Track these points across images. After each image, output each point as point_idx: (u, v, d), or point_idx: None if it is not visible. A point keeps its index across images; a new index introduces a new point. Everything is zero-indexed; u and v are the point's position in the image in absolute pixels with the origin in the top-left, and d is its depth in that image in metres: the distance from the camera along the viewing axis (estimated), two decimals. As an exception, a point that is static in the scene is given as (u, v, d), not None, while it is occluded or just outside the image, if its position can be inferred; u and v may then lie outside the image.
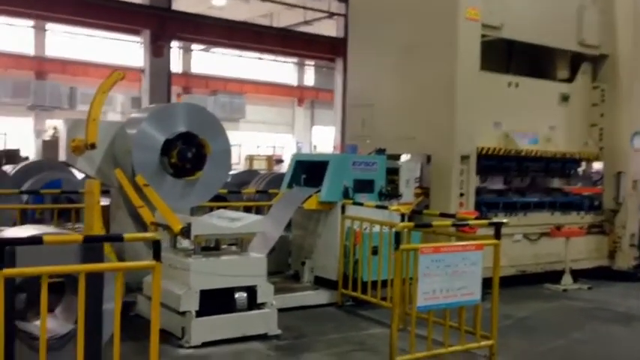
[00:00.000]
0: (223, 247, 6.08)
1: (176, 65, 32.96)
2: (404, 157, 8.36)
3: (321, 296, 7.04)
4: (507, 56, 9.17)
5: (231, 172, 15.08)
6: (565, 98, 9.22)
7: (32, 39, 29.86)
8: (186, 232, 5.50)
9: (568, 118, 9.28)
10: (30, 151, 26.54)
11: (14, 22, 28.37)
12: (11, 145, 28.33)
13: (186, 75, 33.96)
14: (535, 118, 8.90)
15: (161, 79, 21.68)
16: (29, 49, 29.84)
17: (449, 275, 4.92)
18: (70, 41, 29.70)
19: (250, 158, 27.50)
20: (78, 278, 3.63)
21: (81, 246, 4.22)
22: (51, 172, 10.48)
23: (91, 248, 4.26)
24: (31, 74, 29.88)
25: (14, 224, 7.84)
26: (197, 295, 5.42)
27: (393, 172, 7.68)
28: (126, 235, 3.67)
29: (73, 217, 7.59)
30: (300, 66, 38.08)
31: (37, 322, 4.64)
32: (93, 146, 6.05)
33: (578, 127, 9.43)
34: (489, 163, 8.44)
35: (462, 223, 5.76)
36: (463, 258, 5.00)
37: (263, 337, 5.70)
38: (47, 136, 25.28)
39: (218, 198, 9.89)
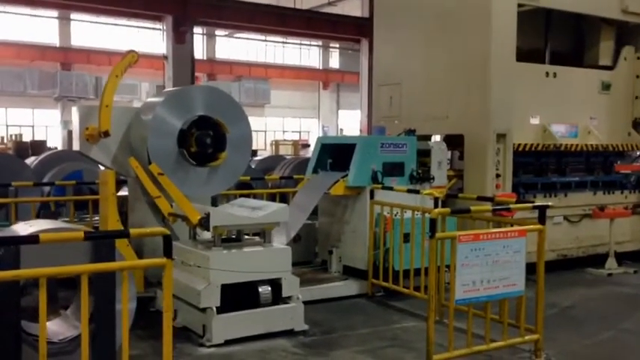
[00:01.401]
0: (246, 237, 5.72)
1: (200, 52, 32.80)
2: (435, 138, 7.90)
3: (350, 287, 6.67)
4: (545, 30, 8.58)
5: (257, 158, 14.88)
6: (606, 87, 8.61)
7: (57, 30, 29.92)
8: (204, 223, 5.16)
9: (609, 108, 8.67)
10: (57, 142, 26.66)
11: (39, 12, 28.45)
12: (39, 137, 28.58)
13: (211, 61, 33.76)
14: (574, 108, 8.34)
15: (184, 65, 21.41)
16: (54, 40, 29.90)
17: (489, 265, 4.49)
18: (95, 31, 29.67)
19: (276, 143, 27.15)
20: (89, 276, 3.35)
21: (91, 242, 3.93)
22: (72, 162, 10.24)
23: (102, 244, 3.96)
24: (56, 65, 29.98)
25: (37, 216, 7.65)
26: (218, 291, 5.09)
27: (424, 154, 7.23)
28: (132, 231, 3.34)
29: (91, 209, 7.31)
30: (325, 49, 37.57)
31: (49, 323, 4.37)
32: (106, 134, 5.74)
33: (621, 116, 8.80)
34: (525, 160, 7.92)
35: (503, 207, 5.31)
36: (505, 246, 4.56)
37: (289, 334, 5.35)
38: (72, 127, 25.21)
39: (242, 185, 9.62)
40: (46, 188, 9.43)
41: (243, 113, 6.34)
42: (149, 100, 6.38)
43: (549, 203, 5.14)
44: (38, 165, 10.88)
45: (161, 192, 5.66)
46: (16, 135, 24.62)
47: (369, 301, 6.54)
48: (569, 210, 8.22)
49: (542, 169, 8.19)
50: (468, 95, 7.61)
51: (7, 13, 27.34)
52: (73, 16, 29.44)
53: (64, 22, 29.90)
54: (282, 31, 24.26)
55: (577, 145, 8.25)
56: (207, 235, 5.61)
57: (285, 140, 30.90)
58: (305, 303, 5.83)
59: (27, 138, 25.20)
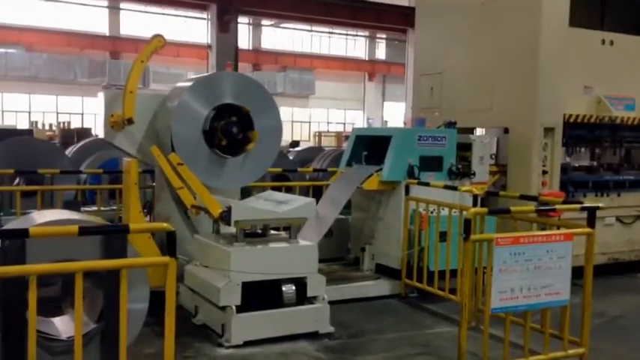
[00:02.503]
0: (273, 232, 5.45)
1: (245, 42, 32.76)
2: (478, 131, 7.45)
3: (382, 287, 6.33)
4: (600, 12, 8.00)
5: (296, 149, 14.62)
6: None
7: (107, 19, 30.32)
8: (225, 216, 4.90)
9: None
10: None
11: (89, 1, 28.89)
12: (88, 125, 29.01)
13: (256, 51, 33.68)
14: (632, 80, 7.72)
15: (228, 55, 21.35)
16: (104, 29, 30.31)
17: (530, 271, 4.09)
18: (143, 20, 29.92)
19: (319, 135, 26.85)
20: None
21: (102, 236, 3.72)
22: (109, 150, 10.17)
23: (113, 238, 3.74)
24: (106, 54, 30.39)
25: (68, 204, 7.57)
26: (239, 289, 4.82)
27: (464, 148, 6.80)
28: (132, 226, 3.09)
29: (117, 198, 7.17)
30: (371, 39, 37.04)
31: (57, 319, 4.20)
32: (130, 121, 5.53)
33: None
34: (578, 132, 7.39)
35: (548, 208, 4.88)
36: (548, 250, 4.15)
37: (313, 336, 5.05)
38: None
39: (277, 177, 9.36)
40: (84, 176, 9.39)
41: (273, 102, 6.05)
42: (177, 85, 6.15)
43: (600, 204, 4.67)
44: (76, 153, 10.89)
45: (184, 183, 5.43)
46: (63, 122, 25.03)
47: (402, 302, 6.19)
48: (622, 210, 7.68)
49: (595, 142, 7.70)
50: (513, 86, 7.14)
51: (59, 1, 27.87)
52: (122, 5, 29.81)
53: (114, 11, 30.28)
54: (327, 20, 23.95)
55: (634, 118, 7.66)
56: (232, 228, 5.36)
57: (328, 132, 30.57)
58: (334, 302, 5.55)
59: (76, 125, 25.61)
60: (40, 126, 24.82)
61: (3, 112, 29.65)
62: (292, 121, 35.86)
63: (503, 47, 7.26)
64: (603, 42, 7.48)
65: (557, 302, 4.27)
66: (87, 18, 29.69)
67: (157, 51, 5.68)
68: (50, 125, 24.80)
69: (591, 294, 4.54)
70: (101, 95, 5.93)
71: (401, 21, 22.53)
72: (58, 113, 30.32)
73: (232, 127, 5.66)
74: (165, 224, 3.05)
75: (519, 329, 4.54)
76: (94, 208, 7.42)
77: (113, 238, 3.73)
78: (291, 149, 15.51)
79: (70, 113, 30.21)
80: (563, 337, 4.52)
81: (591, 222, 4.49)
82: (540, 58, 6.87)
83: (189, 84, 5.83)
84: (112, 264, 3.05)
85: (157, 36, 5.64)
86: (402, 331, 5.34)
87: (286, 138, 29.62)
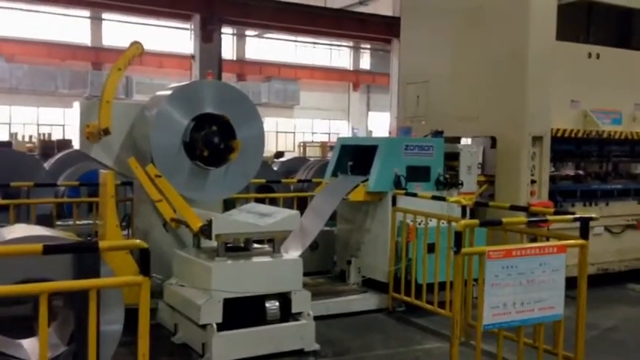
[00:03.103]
0: (255, 246, 5.24)
1: (229, 52, 32.57)
2: (464, 140, 7.32)
3: (369, 301, 6.14)
4: (586, 25, 7.93)
5: (280, 160, 14.43)
6: None
7: (89, 29, 30.01)
8: (205, 230, 4.70)
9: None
10: (85, 141, 26.58)
11: (71, 12, 28.57)
12: (70, 137, 28.62)
13: (240, 62, 33.52)
14: (619, 93, 7.65)
15: (212, 65, 21.09)
16: (86, 40, 30.00)
17: (523, 285, 3.93)
18: (125, 31, 29.65)
19: (303, 145, 26.69)
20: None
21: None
22: (88, 162, 9.91)
23: (86, 256, 3.53)
24: (88, 65, 30.06)
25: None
26: (220, 306, 4.61)
27: (451, 158, 6.66)
28: (102, 244, 2.88)
29: (95, 212, 6.92)
30: (356, 50, 37.03)
31: (27, 341, 3.97)
32: (106, 132, 5.32)
33: None
34: (565, 147, 7.30)
35: (540, 219, 4.73)
36: (541, 263, 4.00)
37: (298, 354, 4.85)
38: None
39: (262, 188, 9.16)
40: (62, 188, 9.13)
41: (255, 111, 5.87)
42: (156, 94, 5.95)
43: (593, 215, 4.54)
44: (55, 165, 10.62)
45: (163, 196, 5.22)
46: (44, 134, 24.64)
47: (389, 317, 6.01)
48: (611, 220, 7.56)
49: (582, 157, 7.59)
50: (501, 94, 7.03)
51: (40, 12, 27.53)
52: (104, 15, 29.53)
53: (96, 21, 29.99)
54: (311, 30, 23.81)
55: (621, 132, 7.59)
56: (213, 243, 5.15)
57: (313, 142, 30.41)
58: (319, 318, 5.38)
59: (58, 137, 25.21)
60: (20, 138, 24.41)
61: (-18, 123, 29.21)
62: (277, 132, 35.67)
63: (491, 55, 7.16)
64: (590, 55, 7.41)
65: (551, 317, 4.12)
66: (68, 28, 29.38)
67: (134, 58, 5.47)
68: (30, 137, 24.41)
69: (586, 307, 4.40)
70: (76, 105, 5.71)
71: (385, 31, 22.46)
72: (39, 125, 29.90)
73: (213, 137, 5.47)
74: (137, 241, 2.85)
75: (512, 344, 4.39)
76: (71, 222, 7.15)
77: (85, 255, 3.53)
78: (275, 160, 15.32)
79: (51, 125, 29.79)
80: (557, 353, 4.37)
81: (584, 233, 4.36)
82: (528, 66, 6.77)
83: (168, 92, 5.63)
84: (79, 284, 2.84)
85: (135, 43, 5.44)
86: (391, 347, 5.16)
87: (271, 148, 29.51)
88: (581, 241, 4.32)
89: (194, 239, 5.22)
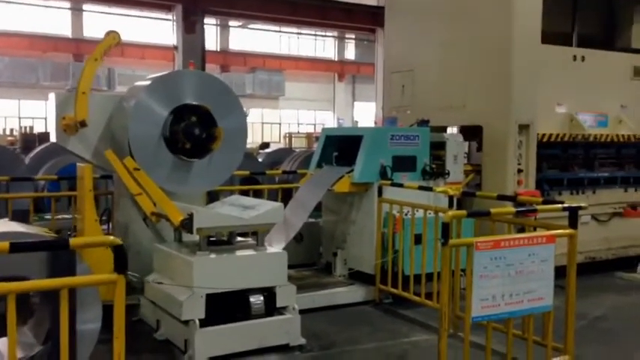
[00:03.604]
0: (239, 239, 5.11)
1: (213, 43, 32.27)
2: (450, 130, 7.24)
3: (355, 293, 6.05)
4: (573, 11, 7.84)
5: (265, 151, 14.28)
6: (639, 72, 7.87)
7: (69, 21, 29.58)
8: (186, 224, 4.57)
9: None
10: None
11: (51, 3, 28.13)
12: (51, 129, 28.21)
13: (224, 52, 33.22)
14: (604, 96, 7.59)
15: (195, 56, 20.85)
16: (67, 32, 29.57)
17: (512, 276, 3.85)
18: (107, 22, 29.23)
19: (289, 136, 26.53)
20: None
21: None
22: (67, 156, 9.72)
23: (60, 253, 3.39)
24: (69, 57, 29.63)
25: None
26: (202, 301, 4.49)
27: (437, 147, 6.57)
28: (72, 241, 2.75)
29: (74, 205, 6.76)
30: (340, 40, 36.84)
31: (2, 340, 3.82)
32: (83, 124, 5.17)
33: None
34: (550, 152, 7.23)
35: (529, 209, 4.65)
36: (530, 254, 3.92)
37: (284, 349, 4.74)
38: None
39: (246, 180, 9.02)
40: (42, 182, 8.94)
41: (237, 102, 5.74)
42: (134, 84, 5.79)
43: (582, 204, 4.47)
44: (34, 158, 10.42)
45: (142, 189, 5.07)
46: (25, 127, 24.27)
47: (376, 309, 5.92)
48: (597, 208, 7.54)
49: (568, 161, 7.49)
50: (487, 83, 6.94)
51: (21, 4, 27.07)
52: (85, 7, 29.10)
53: (76, 13, 29.56)
54: (296, 20, 23.65)
55: (607, 135, 7.54)
56: (195, 236, 5.02)
57: (299, 133, 30.26)
58: (305, 311, 5.30)
59: (40, 130, 24.84)
60: (1, 131, 24.03)
61: (-37, 116, 28.74)
62: (262, 123, 35.46)
63: (476, 43, 7.07)
64: (575, 58, 7.33)
65: (541, 308, 4.04)
66: (49, 20, 28.92)
67: (111, 48, 5.31)
68: (11, 130, 24.02)
69: (575, 298, 4.34)
70: (52, 96, 5.54)
71: (370, 20, 22.34)
72: (20, 118, 29.46)
73: (194, 129, 5.32)
74: (111, 237, 2.72)
75: (501, 336, 4.33)
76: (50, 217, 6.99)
77: (60, 253, 3.40)
78: (260, 151, 15.17)
79: (32, 118, 29.36)
80: (546, 344, 4.31)
81: (573, 222, 4.29)
82: (514, 54, 6.68)
83: (147, 83, 5.48)
84: (48, 284, 2.71)
85: (111, 32, 5.28)
86: (378, 340, 5.07)
87: (256, 140, 29.35)
88: (570, 231, 4.25)
89: (175, 233, 5.08)
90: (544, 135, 6.99)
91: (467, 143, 7.36)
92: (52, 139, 5.56)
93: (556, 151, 7.31)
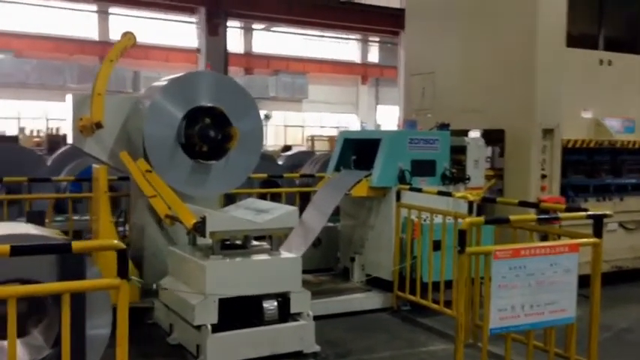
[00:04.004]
0: (255, 243, 5.03)
1: (237, 46, 32.37)
2: (472, 134, 7.08)
3: (372, 300, 5.93)
4: (599, 13, 7.64)
5: (286, 154, 14.21)
6: None
7: (96, 24, 29.92)
8: (199, 227, 4.50)
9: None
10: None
11: (78, 6, 28.47)
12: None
13: (248, 55, 33.29)
14: (631, 100, 7.37)
15: (218, 59, 20.93)
16: (93, 34, 29.91)
17: (532, 286, 3.71)
18: (132, 25, 29.53)
19: (312, 139, 26.45)
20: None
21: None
22: (90, 157, 9.75)
23: (69, 256, 3.35)
24: (95, 59, 29.95)
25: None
26: (215, 306, 4.42)
27: (458, 151, 6.43)
28: (75, 244, 2.69)
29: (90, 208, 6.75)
30: (364, 42, 36.70)
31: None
32: (99, 125, 5.14)
33: None
34: (576, 157, 7.04)
35: (550, 216, 4.50)
36: (552, 263, 3.77)
37: (297, 356, 4.65)
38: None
39: (266, 183, 8.95)
40: (64, 184, 8.98)
41: (253, 104, 5.67)
42: (151, 86, 5.76)
43: (607, 212, 4.30)
44: (57, 159, 10.49)
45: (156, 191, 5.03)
46: (52, 129, 24.59)
47: (394, 316, 5.80)
48: (625, 216, 7.31)
49: (594, 168, 7.29)
50: (510, 85, 6.78)
51: (48, 7, 27.46)
52: (111, 10, 29.42)
53: (103, 16, 29.89)
54: (318, 23, 23.58)
55: (635, 141, 7.32)
56: (209, 240, 4.96)
57: (321, 136, 30.17)
58: (322, 317, 5.21)
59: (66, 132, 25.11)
60: (28, 132, 24.37)
61: (-8, 118, 29.21)
62: (285, 126, 35.46)
63: (499, 45, 6.91)
64: (601, 62, 7.14)
65: (563, 320, 3.89)
66: (76, 23, 29.28)
67: (127, 49, 5.29)
68: (38, 132, 24.35)
69: (599, 310, 4.17)
70: (69, 98, 5.52)
71: (392, 23, 22.17)
72: (47, 119, 29.86)
73: (208, 131, 5.27)
74: (115, 241, 2.66)
75: (521, 347, 4.19)
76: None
77: (68, 256, 3.35)
78: (282, 154, 15.12)
79: (59, 119, 29.73)
80: (569, 357, 4.15)
81: (598, 231, 4.12)
82: (538, 56, 6.51)
83: (162, 84, 5.44)
84: (50, 288, 2.65)
85: (127, 33, 5.26)
86: (394, 349, 4.95)
87: (279, 142, 29.33)
88: (594, 240, 4.08)
89: (189, 236, 5.02)
90: (569, 141, 6.81)
91: (489, 147, 7.20)
92: (69, 140, 5.53)
93: (581, 157, 7.12)
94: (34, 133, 23.99)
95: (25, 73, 28.22)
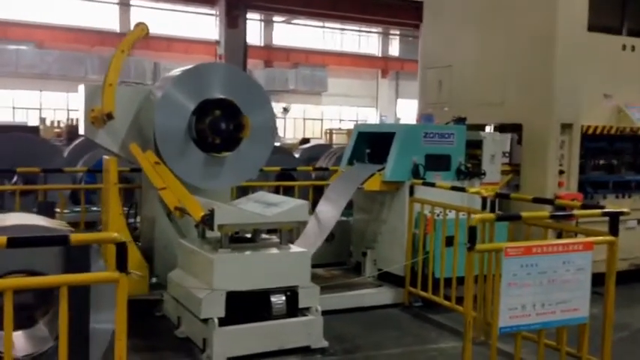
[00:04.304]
0: (264, 237, 4.99)
1: (257, 38, 32.35)
2: (488, 128, 6.96)
3: (384, 295, 5.86)
4: (621, 16, 7.45)
5: (303, 147, 14.16)
6: None
7: (117, 15, 30.08)
8: (207, 220, 4.46)
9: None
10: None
11: (99, -2, 28.69)
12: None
13: (268, 48, 33.26)
14: None
15: (237, 51, 20.89)
16: (114, 26, 30.08)
17: (544, 285, 3.62)
18: (153, 17, 29.64)
19: (330, 132, 26.36)
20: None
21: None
22: (106, 148, 9.77)
23: (74, 248, 3.34)
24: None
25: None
26: (222, 299, 4.38)
27: (474, 146, 6.32)
28: (73, 236, 2.66)
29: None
30: (385, 36, 36.46)
31: (17, 334, 3.79)
32: (110, 116, 5.12)
33: None
34: (597, 145, 6.90)
35: (564, 214, 4.38)
36: (565, 261, 3.67)
37: (304, 351, 4.60)
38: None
39: (282, 176, 8.91)
40: (79, 175, 9.02)
41: (265, 97, 5.62)
42: (163, 77, 5.73)
43: (624, 209, 4.17)
44: (73, 150, 10.55)
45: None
46: (72, 119, 24.79)
47: (405, 312, 5.73)
48: (644, 213, 7.13)
49: (615, 156, 7.14)
50: (528, 79, 6.65)
51: (70, -2, 27.70)
52: (132, 1, 29.56)
53: (124, 7, 30.03)
54: (338, 15, 23.43)
55: None
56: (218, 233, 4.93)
57: (340, 129, 30.08)
58: (332, 312, 5.18)
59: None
60: (49, 123, 24.60)
61: (14, 108, 29.52)
62: (304, 119, 35.41)
63: (517, 38, 6.77)
64: (624, 47, 6.96)
65: (575, 320, 3.79)
66: (97, 14, 29.48)
67: (139, 40, 5.27)
68: (58, 122, 24.56)
69: (613, 308, 4.06)
70: (81, 88, 5.52)
71: (413, 16, 21.87)
72: (68, 110, 30.13)
73: (220, 123, 5.23)
74: (115, 234, 2.62)
75: (532, 345, 4.10)
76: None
77: (74, 248, 3.33)
78: (300, 147, 15.07)
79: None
80: (581, 357, 4.05)
81: (614, 229, 4.00)
82: (557, 49, 6.37)
83: (174, 74, 5.40)
84: (46, 281, 2.62)
85: (140, 24, 5.23)
86: (404, 346, 4.88)
87: (298, 135, 29.26)
88: (609, 238, 3.97)
89: (198, 229, 4.99)
90: (589, 127, 6.66)
91: (508, 137, 7.06)
92: (81, 131, 5.53)
93: (602, 144, 6.98)
94: (55, 124, 24.18)
95: (47, 64, 28.51)
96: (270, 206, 4.73)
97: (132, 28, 5.45)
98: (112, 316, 3.53)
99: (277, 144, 20.26)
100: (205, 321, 4.38)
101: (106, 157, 5.36)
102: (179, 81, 5.27)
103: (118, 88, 5.29)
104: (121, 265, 2.58)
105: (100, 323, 3.49)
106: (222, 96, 5.24)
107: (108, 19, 29.90)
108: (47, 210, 5.23)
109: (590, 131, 6.69)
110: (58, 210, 6.54)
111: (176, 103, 5.19)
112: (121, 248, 2.58)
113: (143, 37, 5.30)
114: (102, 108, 5.11)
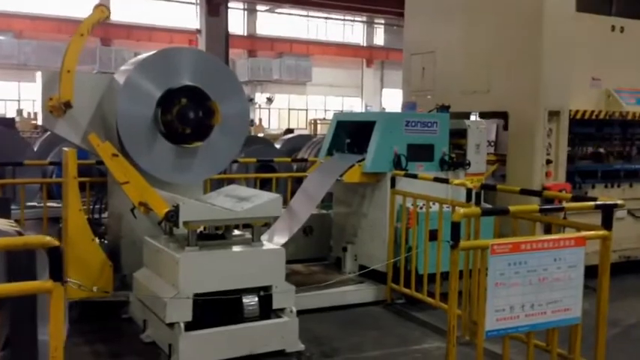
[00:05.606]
0: (236, 233, 4.68)
1: (241, 28, 31.86)
2: (473, 116, 6.68)
3: (364, 293, 5.58)
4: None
5: (284, 138, 13.83)
6: None
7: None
8: (172, 217, 4.13)
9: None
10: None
11: (79, -13, 28.05)
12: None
13: (251, 37, 32.79)
14: None
15: (218, 40, 20.46)
16: (94, 15, 29.48)
17: (534, 284, 3.35)
18: (135, 6, 29.09)
19: (314, 122, 26.02)
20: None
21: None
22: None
23: (18, 254, 3.00)
24: (96, 41, 29.54)
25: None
26: (189, 302, 4.07)
27: (458, 135, 6.04)
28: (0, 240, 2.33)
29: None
30: (369, 25, 36.09)
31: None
32: (68, 105, 4.77)
33: None
34: (584, 130, 6.64)
35: (554, 207, 4.11)
36: (556, 258, 3.40)
37: (279, 355, 4.31)
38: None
39: (262, 168, 8.60)
40: (50, 168, 8.67)
41: (238, 84, 5.29)
42: (127, 62, 5.39)
43: (618, 201, 3.91)
44: (43, 143, 10.18)
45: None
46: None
47: (387, 310, 5.45)
48: (634, 203, 6.91)
49: (603, 141, 6.92)
50: (513, 63, 6.37)
51: (47, -13, 27.04)
52: (114, -10, 28.97)
53: (104, -4, 29.44)
54: (322, 3, 23.09)
55: None
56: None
57: (324, 119, 29.72)
58: (310, 311, 4.94)
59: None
60: (26, 114, 24.04)
61: (-7, 100, 28.95)
62: (289, 109, 35.02)
63: (503, 22, 6.48)
64: (613, 28, 6.71)
65: (567, 321, 3.53)
66: (77, 4, 28.84)
67: (99, 22, 4.91)
68: (35, 114, 24.00)
69: (607, 307, 3.80)
70: (38, 75, 5.15)
71: (398, 4, 21.59)
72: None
73: (188, 112, 4.89)
74: (48, 238, 2.30)
75: (521, 345, 3.84)
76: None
77: (18, 253, 3.00)
78: (282, 137, 14.75)
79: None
80: (573, 359, 3.79)
81: (607, 222, 3.74)
82: (544, 34, 6.08)
83: (139, 59, 5.06)
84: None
85: (99, 6, 4.88)
86: (385, 347, 4.60)
87: (283, 126, 28.87)
88: (603, 232, 3.70)
89: (164, 226, 4.67)
90: (577, 112, 6.42)
91: (494, 125, 6.79)
92: (39, 121, 5.17)
93: (590, 129, 6.73)
94: (32, 116, 23.64)
95: (25, 54, 27.89)
96: (241, 201, 4.41)
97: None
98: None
99: (260, 134, 19.95)
100: (171, 325, 4.07)
101: (65, 148, 5.01)
102: (143, 66, 4.93)
103: (78, 75, 4.93)
104: (55, 273, 2.26)
105: (45, 335, 3.17)
106: (188, 83, 4.89)
107: (88, 9, 29.20)
108: (1, 207, 4.85)
109: (579, 116, 6.45)
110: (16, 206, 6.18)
111: (140, 90, 4.85)
112: (55, 254, 2.26)
113: (104, 20, 4.92)
114: (59, 96, 4.75)
